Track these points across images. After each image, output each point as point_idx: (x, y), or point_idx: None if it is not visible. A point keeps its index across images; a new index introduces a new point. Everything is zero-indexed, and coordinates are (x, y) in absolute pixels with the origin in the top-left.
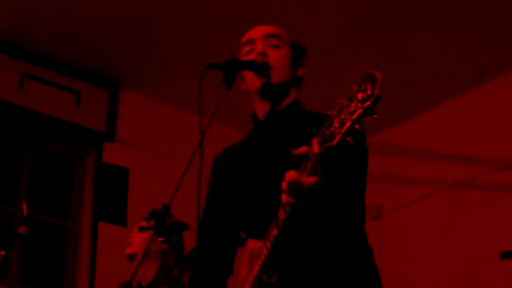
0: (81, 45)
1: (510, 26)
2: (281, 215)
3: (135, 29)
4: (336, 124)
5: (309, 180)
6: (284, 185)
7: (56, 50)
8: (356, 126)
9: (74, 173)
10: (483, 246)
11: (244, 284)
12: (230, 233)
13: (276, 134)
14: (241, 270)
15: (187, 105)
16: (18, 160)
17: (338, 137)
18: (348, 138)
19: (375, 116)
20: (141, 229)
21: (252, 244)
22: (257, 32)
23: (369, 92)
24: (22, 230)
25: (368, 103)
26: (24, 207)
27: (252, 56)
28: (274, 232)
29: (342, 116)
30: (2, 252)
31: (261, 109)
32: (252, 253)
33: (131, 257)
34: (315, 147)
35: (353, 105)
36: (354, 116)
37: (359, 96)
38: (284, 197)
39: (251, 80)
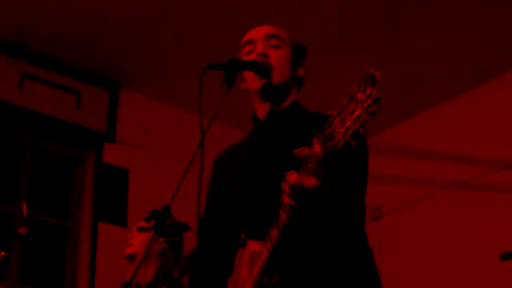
0: (81, 45)
1: (510, 26)
2: (282, 216)
3: (135, 29)
4: (336, 124)
5: (310, 181)
6: (285, 186)
7: (56, 50)
8: (357, 127)
9: (74, 173)
10: (483, 246)
11: (245, 285)
12: (231, 234)
13: (276, 135)
14: (242, 271)
15: (188, 105)
16: (18, 160)
17: (338, 137)
18: (349, 138)
19: (375, 116)
20: (141, 229)
21: (253, 245)
22: (257, 32)
23: (368, 92)
24: (22, 230)
25: (368, 102)
26: (24, 207)
27: (252, 56)
28: (275, 233)
29: (342, 116)
30: (2, 253)
31: (262, 109)
32: (253, 254)
33: (131, 257)
34: (316, 148)
35: (353, 105)
36: (354, 116)
37: (359, 96)
38: (285, 199)
39: (251, 80)
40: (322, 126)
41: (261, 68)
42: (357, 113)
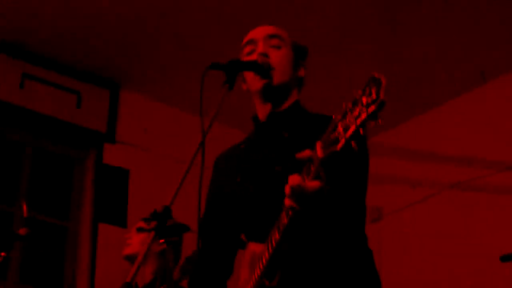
0: (81, 45)
1: (510, 26)
2: (284, 219)
3: (135, 29)
4: (340, 129)
5: (313, 184)
6: (287, 189)
7: (56, 50)
8: (361, 131)
9: (74, 174)
10: (483, 248)
11: (245, 287)
12: (231, 235)
13: (277, 135)
14: (242, 273)
15: (188, 106)
16: (18, 160)
17: (342, 142)
18: (352, 143)
19: (379, 121)
20: (140, 230)
21: (253, 247)
22: (258, 33)
23: (374, 96)
24: (22, 231)
25: (373, 107)
26: (24, 208)
27: (253, 57)
28: (276, 235)
29: (347, 121)
30: (2, 253)
31: (262, 110)
32: (253, 256)
33: (129, 258)
34: (319, 151)
35: (358, 109)
36: (359, 121)
37: (364, 100)
38: (287, 201)
39: (252, 81)
40: (325, 128)
41: (262, 69)
42: (362, 117)
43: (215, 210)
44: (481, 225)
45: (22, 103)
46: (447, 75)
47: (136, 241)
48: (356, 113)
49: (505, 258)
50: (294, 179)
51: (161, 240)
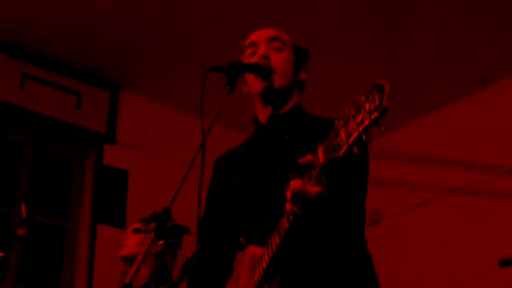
0: (81, 45)
1: (511, 27)
2: (284, 223)
3: (135, 29)
4: (343, 134)
5: (314, 189)
6: (288, 194)
7: (56, 50)
8: (363, 137)
9: (74, 174)
10: (483, 252)
11: None
12: (230, 237)
13: (277, 138)
14: (242, 275)
15: (188, 107)
16: (18, 161)
17: (344, 148)
18: (355, 149)
19: (382, 127)
20: (136, 231)
21: (253, 250)
22: (260, 35)
23: (377, 103)
24: (21, 231)
25: (376, 114)
26: (23, 209)
27: (254, 59)
28: (276, 240)
29: (349, 127)
30: (1, 254)
31: (263, 112)
32: (253, 259)
33: (126, 259)
34: (321, 157)
35: (361, 116)
36: (362, 127)
37: (367, 107)
38: (288, 206)
39: (253, 83)
40: (326, 132)
41: (263, 71)
42: (365, 124)
43: (214, 211)
44: (481, 229)
45: (22, 103)
46: (447, 78)
47: (132, 242)
48: (359, 119)
49: (504, 263)
50: (295, 184)
51: (161, 242)
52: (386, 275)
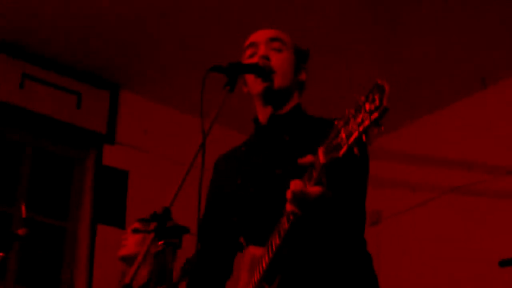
0: (81, 45)
1: (511, 27)
2: (284, 224)
3: (135, 29)
4: (343, 135)
5: (315, 190)
6: (289, 194)
7: (56, 50)
8: (363, 137)
9: (74, 175)
10: (483, 252)
11: None
12: (230, 237)
13: (277, 139)
14: (241, 276)
15: (188, 107)
16: (18, 161)
17: (344, 148)
18: (355, 149)
19: (382, 128)
20: (135, 231)
21: (253, 250)
22: (260, 36)
23: (377, 103)
24: (21, 231)
25: (376, 114)
26: (23, 209)
27: (254, 60)
28: (276, 240)
29: (349, 127)
30: (1, 254)
31: (263, 113)
32: (253, 259)
33: (125, 259)
34: (321, 157)
35: (361, 116)
36: (362, 128)
37: (367, 107)
38: (289, 207)
39: (253, 84)
40: (326, 132)
41: (263, 72)
42: (365, 124)
43: (214, 211)
44: (481, 230)
45: (22, 103)
46: (447, 78)
47: (131, 242)
48: (359, 119)
49: (504, 263)
50: (295, 184)
51: (161, 242)
52: (386, 275)
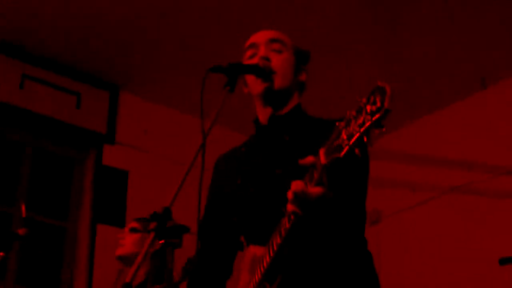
0: (81, 45)
1: (511, 27)
2: (285, 224)
3: (135, 29)
4: (344, 136)
5: (316, 190)
6: (290, 194)
7: (56, 50)
8: (364, 139)
9: (74, 175)
10: (482, 251)
11: None
12: (230, 237)
13: (278, 139)
14: (242, 275)
15: (188, 108)
16: (18, 161)
17: (346, 149)
18: (356, 150)
19: (384, 129)
20: (132, 230)
21: (254, 249)
22: (260, 37)
23: (378, 105)
24: (21, 231)
25: (377, 116)
26: (23, 209)
27: (255, 60)
28: (277, 240)
29: (351, 128)
30: (1, 253)
31: (263, 113)
32: (254, 259)
33: (122, 258)
34: (323, 158)
35: (362, 117)
36: (363, 129)
37: (368, 108)
38: (290, 207)
39: (253, 84)
40: (326, 133)
41: (263, 72)
42: (366, 125)
43: (215, 211)
44: (481, 229)
45: (22, 104)
46: (447, 78)
47: (129, 242)
48: (360, 121)
49: (504, 261)
50: (297, 185)
51: (161, 241)
52: (387, 274)
